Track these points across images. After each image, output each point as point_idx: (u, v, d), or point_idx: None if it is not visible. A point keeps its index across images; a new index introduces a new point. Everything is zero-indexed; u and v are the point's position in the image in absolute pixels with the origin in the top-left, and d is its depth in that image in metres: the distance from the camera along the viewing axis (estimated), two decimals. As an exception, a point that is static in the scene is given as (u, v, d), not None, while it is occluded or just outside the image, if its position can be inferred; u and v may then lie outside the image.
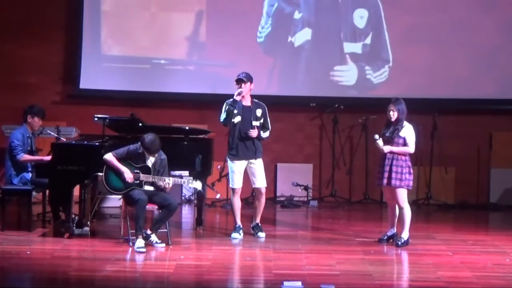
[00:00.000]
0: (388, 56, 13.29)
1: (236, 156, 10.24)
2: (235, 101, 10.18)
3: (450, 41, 13.21)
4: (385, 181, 9.81)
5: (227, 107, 10.22)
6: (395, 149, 9.81)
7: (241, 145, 10.23)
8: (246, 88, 10.24)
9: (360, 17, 13.32)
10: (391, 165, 9.79)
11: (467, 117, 13.34)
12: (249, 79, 10.24)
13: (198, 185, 9.82)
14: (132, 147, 9.71)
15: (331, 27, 13.30)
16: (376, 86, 13.28)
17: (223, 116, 10.26)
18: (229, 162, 10.33)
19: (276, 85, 13.34)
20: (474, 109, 13.34)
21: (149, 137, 9.61)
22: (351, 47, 13.30)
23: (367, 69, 13.26)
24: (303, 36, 13.33)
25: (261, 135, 10.29)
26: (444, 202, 13.07)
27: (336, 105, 13.17)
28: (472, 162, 13.37)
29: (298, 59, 13.34)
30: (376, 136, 9.89)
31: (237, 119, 10.22)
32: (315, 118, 13.55)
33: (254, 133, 10.19)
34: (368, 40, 13.31)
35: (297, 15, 13.34)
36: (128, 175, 9.57)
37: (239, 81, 10.23)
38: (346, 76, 13.28)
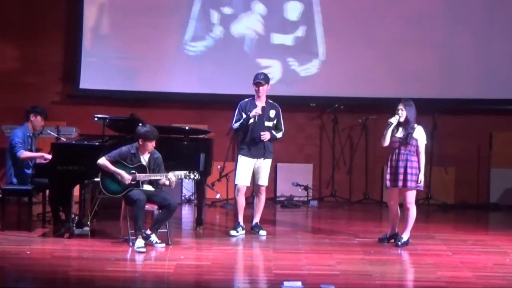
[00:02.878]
0: (317, 50, 13.30)
1: (246, 153, 10.28)
2: (248, 118, 10.19)
3: (452, 41, 13.22)
4: (400, 183, 9.78)
5: (242, 121, 10.22)
6: (422, 163, 9.76)
7: (252, 144, 10.27)
8: (264, 89, 10.28)
9: (293, 9, 13.31)
10: (405, 167, 9.77)
11: (467, 117, 13.34)
12: (267, 81, 10.29)
13: (197, 175, 9.78)
14: (124, 148, 9.70)
15: (262, 19, 13.33)
16: (303, 79, 13.27)
17: (236, 125, 10.31)
18: (238, 157, 10.37)
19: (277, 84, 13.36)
20: (474, 109, 13.34)
21: (143, 127, 9.61)
22: (280, 39, 13.31)
23: (291, 62, 13.29)
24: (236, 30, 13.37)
25: (275, 135, 10.33)
26: (444, 202, 13.07)
27: (336, 105, 13.17)
28: (472, 162, 13.37)
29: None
30: (392, 120, 9.81)
31: (250, 120, 10.25)
32: (315, 118, 13.56)
33: (265, 136, 10.22)
34: (300, 33, 13.30)
35: (228, 11, 13.36)
36: (125, 176, 9.56)
37: (258, 84, 10.26)
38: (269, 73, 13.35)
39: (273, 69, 13.22)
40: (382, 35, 13.24)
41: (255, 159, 10.32)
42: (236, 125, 10.33)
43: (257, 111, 10.22)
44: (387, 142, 9.85)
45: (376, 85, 13.19)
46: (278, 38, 13.37)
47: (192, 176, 9.73)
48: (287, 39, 13.38)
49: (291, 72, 13.27)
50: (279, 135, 10.41)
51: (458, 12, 13.24)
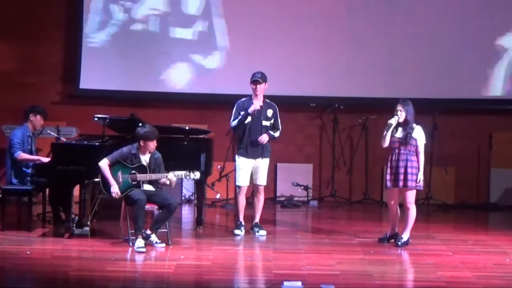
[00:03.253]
0: (217, 43, 13.27)
1: (244, 154, 10.30)
2: (247, 114, 10.19)
3: (452, 41, 13.21)
4: (401, 183, 9.78)
5: (241, 117, 10.22)
6: (421, 162, 9.79)
7: (250, 144, 10.27)
8: (261, 88, 10.28)
9: (192, 2, 13.31)
10: (405, 167, 9.78)
11: (467, 117, 13.35)
12: (264, 79, 10.29)
13: (196, 174, 9.79)
14: (125, 149, 9.70)
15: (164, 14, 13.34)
16: (209, 71, 13.31)
17: (234, 123, 10.31)
18: (236, 158, 10.37)
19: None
20: (474, 109, 13.34)
21: (142, 128, 9.61)
22: (181, 33, 13.29)
23: (195, 58, 13.29)
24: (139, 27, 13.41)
25: (273, 135, 10.35)
26: (444, 202, 13.07)
27: (336, 105, 13.17)
28: (472, 162, 13.37)
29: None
30: (392, 121, 9.81)
31: (248, 118, 10.26)
32: (315, 118, 13.56)
33: (263, 139, 10.23)
34: (200, 27, 13.29)
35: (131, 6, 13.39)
36: (114, 190, 9.55)
37: (255, 82, 10.27)
38: (176, 80, 13.33)
39: (182, 68, 13.27)
40: (301, 29, 13.26)
41: (254, 159, 10.33)
42: (234, 122, 10.33)
43: (255, 106, 10.23)
44: (386, 143, 9.86)
45: (374, 85, 13.20)
46: (178, 33, 13.30)
47: (192, 175, 9.73)
48: (187, 33, 13.31)
49: (197, 66, 13.20)
50: (276, 134, 10.42)
51: (457, 12, 13.23)
